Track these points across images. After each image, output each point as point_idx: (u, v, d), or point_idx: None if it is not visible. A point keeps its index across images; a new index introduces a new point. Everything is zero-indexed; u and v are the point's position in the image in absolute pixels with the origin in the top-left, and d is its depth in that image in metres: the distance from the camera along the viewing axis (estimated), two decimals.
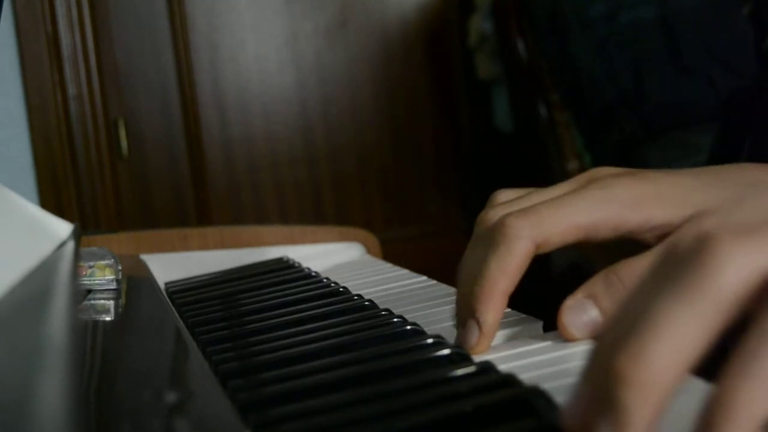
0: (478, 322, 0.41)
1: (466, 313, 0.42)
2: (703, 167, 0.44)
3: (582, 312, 0.40)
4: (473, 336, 0.41)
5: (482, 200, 0.47)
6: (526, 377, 0.36)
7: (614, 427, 0.24)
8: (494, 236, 0.42)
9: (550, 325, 0.43)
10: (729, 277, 0.24)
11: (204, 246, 0.84)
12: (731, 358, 0.23)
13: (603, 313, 0.40)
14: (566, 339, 0.40)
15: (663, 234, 0.42)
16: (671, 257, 0.25)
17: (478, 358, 0.39)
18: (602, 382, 0.24)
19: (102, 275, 0.61)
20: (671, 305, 0.24)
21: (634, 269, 0.40)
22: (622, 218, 0.42)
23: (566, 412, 0.26)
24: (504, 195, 0.46)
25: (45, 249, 0.51)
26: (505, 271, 0.41)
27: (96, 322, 0.52)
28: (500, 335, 0.43)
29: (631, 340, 0.24)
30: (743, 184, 0.42)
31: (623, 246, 0.43)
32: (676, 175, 0.43)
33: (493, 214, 0.44)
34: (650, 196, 0.42)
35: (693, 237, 0.25)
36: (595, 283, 0.40)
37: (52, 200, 2.10)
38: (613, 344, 0.25)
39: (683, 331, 0.24)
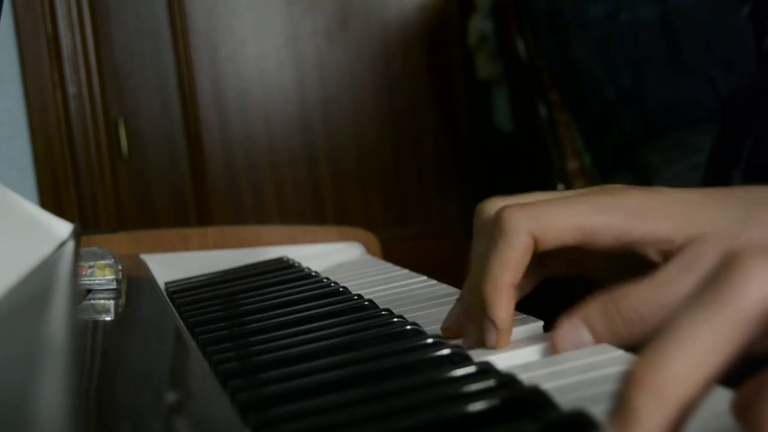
0: (492, 321, 0.41)
1: (478, 316, 0.42)
2: (712, 188, 0.44)
3: (575, 336, 0.40)
4: (492, 334, 0.41)
5: (482, 200, 0.47)
6: (526, 377, 0.36)
7: (621, 427, 0.24)
8: (492, 231, 0.42)
9: (550, 325, 0.43)
10: (752, 293, 0.24)
11: (204, 246, 0.84)
12: None
13: (597, 339, 0.40)
14: None
15: (665, 250, 0.41)
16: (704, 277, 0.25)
17: (477, 357, 0.39)
18: (620, 388, 0.25)
19: (102, 275, 0.61)
20: (693, 318, 0.24)
21: (631, 299, 0.39)
22: (625, 227, 0.41)
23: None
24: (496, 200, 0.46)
25: (45, 249, 0.51)
26: (506, 265, 0.41)
27: (96, 322, 0.52)
28: None
29: (651, 350, 0.24)
30: (749, 202, 0.42)
31: (624, 260, 0.43)
32: (685, 191, 0.43)
33: (491, 206, 0.44)
34: (657, 208, 0.42)
35: (720, 255, 0.25)
36: (592, 309, 0.40)
37: (52, 200, 2.10)
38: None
39: (702, 343, 0.24)
